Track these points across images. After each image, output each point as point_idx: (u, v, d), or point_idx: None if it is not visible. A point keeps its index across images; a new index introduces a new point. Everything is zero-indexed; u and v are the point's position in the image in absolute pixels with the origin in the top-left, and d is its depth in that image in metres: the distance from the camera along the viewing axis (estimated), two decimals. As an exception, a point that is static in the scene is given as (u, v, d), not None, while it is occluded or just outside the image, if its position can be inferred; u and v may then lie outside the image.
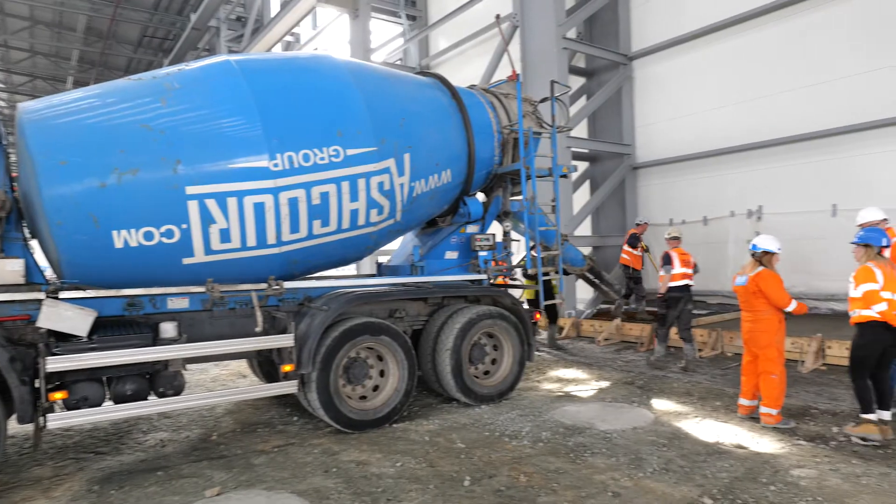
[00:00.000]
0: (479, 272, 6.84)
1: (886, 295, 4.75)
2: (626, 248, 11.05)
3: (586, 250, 12.69)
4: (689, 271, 8.02)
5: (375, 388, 5.88)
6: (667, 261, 8.15)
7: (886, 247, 5.04)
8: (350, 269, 13.02)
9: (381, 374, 5.91)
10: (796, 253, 9.48)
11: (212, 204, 4.99)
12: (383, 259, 8.49)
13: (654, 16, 13.01)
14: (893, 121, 9.45)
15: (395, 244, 7.82)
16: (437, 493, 4.17)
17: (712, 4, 11.79)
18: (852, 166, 10.00)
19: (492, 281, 6.90)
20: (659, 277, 8.34)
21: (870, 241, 4.98)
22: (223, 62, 5.48)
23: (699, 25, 11.93)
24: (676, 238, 8.27)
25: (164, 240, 4.90)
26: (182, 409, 5.91)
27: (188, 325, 5.26)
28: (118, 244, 4.75)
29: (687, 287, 8.01)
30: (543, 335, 10.64)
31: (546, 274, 7.09)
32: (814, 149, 10.48)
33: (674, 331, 8.30)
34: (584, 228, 13.47)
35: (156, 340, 4.90)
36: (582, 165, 13.83)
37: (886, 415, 5.01)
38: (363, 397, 5.81)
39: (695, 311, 10.94)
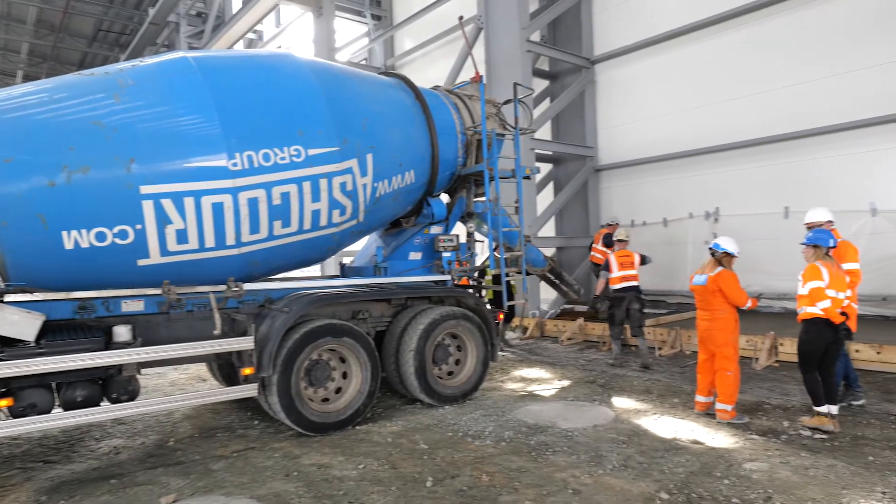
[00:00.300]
0: (442, 273, 6.85)
1: (831, 293, 4.98)
2: (599, 247, 11.15)
3: (550, 251, 12.90)
4: (631, 273, 8.18)
5: (338, 391, 5.82)
6: (605, 266, 8.43)
7: (833, 247, 5.25)
8: (314, 270, 12.92)
9: (344, 375, 5.85)
10: (751, 253, 9.77)
11: (168, 204, 4.87)
12: (347, 260, 8.41)
13: (615, 21, 13.28)
14: (840, 127, 9.86)
15: (358, 245, 7.77)
16: (400, 495, 4.15)
17: (671, 11, 12.13)
18: (804, 170, 10.41)
19: (455, 281, 6.90)
20: (598, 283, 8.57)
21: (818, 242, 5.19)
22: (180, 59, 5.35)
23: (659, 31, 12.26)
24: (622, 241, 8.46)
25: (118, 241, 4.76)
26: (137, 414, 5.75)
27: (143, 328, 5.13)
28: (68, 245, 4.59)
29: (630, 288, 8.16)
30: (511, 335, 10.76)
31: (508, 274, 7.15)
32: (768, 153, 10.89)
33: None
34: (549, 229, 13.66)
35: (109, 344, 4.75)
36: (546, 167, 14.09)
37: (834, 409, 5.21)
38: (325, 399, 5.75)
39: (655, 311, 11.24)
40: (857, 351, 7.20)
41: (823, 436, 5.06)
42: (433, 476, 4.45)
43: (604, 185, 13.74)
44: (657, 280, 11.87)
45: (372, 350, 5.86)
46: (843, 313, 5.02)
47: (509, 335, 10.73)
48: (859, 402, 5.84)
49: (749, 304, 5.48)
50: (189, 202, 4.96)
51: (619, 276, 8.19)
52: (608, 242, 10.99)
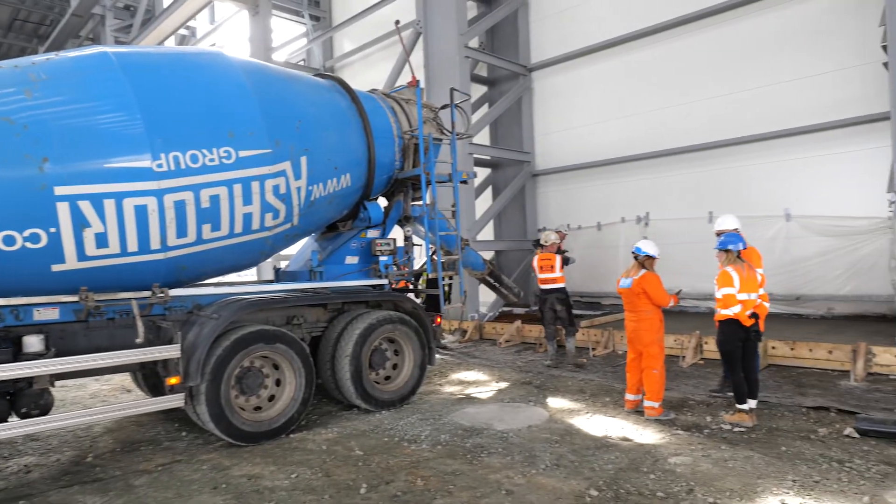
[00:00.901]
0: (380, 277, 6.81)
1: (742, 296, 5.34)
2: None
3: (489, 254, 13.05)
4: (551, 276, 8.48)
5: (271, 398, 5.67)
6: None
7: (743, 249, 5.58)
8: (250, 275, 12.56)
9: (277, 383, 5.71)
10: (678, 256, 10.28)
11: (86, 206, 4.61)
12: (284, 264, 8.22)
13: (550, 30, 13.63)
14: (756, 138, 10.48)
15: (294, 248, 7.62)
16: (333, 503, 4.08)
17: (605, 23, 12.56)
18: (725, 177, 10.98)
19: (393, 285, 6.88)
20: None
21: (729, 246, 5.51)
22: (100, 54, 5.09)
23: (593, 41, 12.66)
24: (542, 245, 8.77)
25: (29, 245, 4.47)
26: (52, 429, 5.41)
27: (58, 337, 4.84)
28: (-29, 249, 4.26)
29: (552, 290, 8.50)
30: (450, 338, 10.80)
31: (450, 277, 7.20)
32: (693, 160, 11.44)
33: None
34: (488, 233, 13.83)
35: (18, 356, 4.44)
36: (485, 172, 14.27)
37: (753, 403, 5.52)
38: (258, 408, 5.59)
39: (590, 312, 11.57)
40: (773, 348, 7.66)
41: (742, 429, 5.34)
42: (367, 482, 4.40)
43: (541, 190, 14.11)
44: (591, 282, 12.23)
45: (307, 356, 5.75)
46: (753, 314, 5.34)
47: (448, 338, 10.78)
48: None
49: (671, 303, 5.74)
50: (109, 204, 4.72)
51: (540, 279, 8.60)
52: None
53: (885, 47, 7.62)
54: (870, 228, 9.19)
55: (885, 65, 7.76)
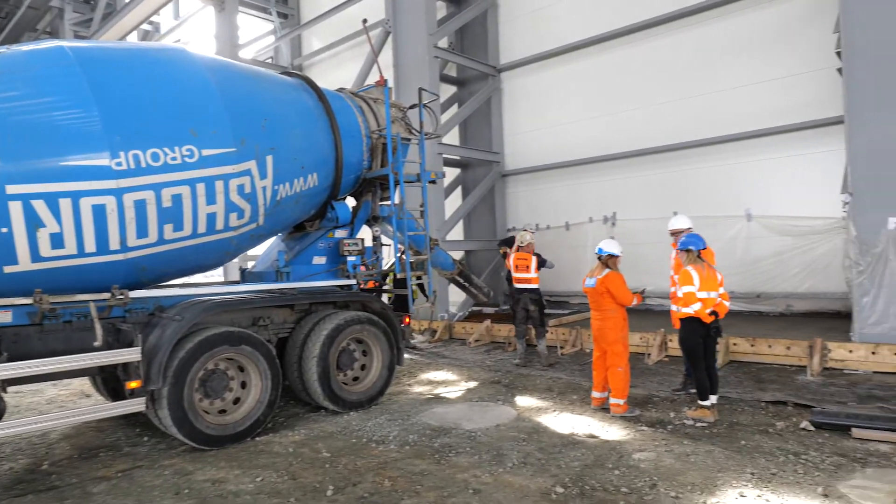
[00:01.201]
0: (347, 277, 6.76)
1: (702, 294, 5.46)
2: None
3: (459, 254, 13.10)
4: (526, 276, 8.46)
5: (237, 401, 5.58)
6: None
7: (703, 249, 5.72)
8: (217, 275, 12.31)
9: (243, 385, 5.63)
10: (644, 255, 10.47)
11: (39, 205, 4.46)
12: (251, 265, 8.11)
13: (519, 31, 13.74)
14: (717, 140, 10.75)
15: (261, 249, 7.52)
16: (298, 507, 4.04)
17: (573, 25, 12.72)
18: (689, 178, 11.25)
19: (361, 286, 6.84)
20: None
21: (690, 246, 5.64)
22: (55, 48, 4.93)
23: (562, 43, 12.81)
24: (518, 246, 8.68)
25: (-21, 245, 4.29)
26: (4, 437, 5.21)
27: (12, 341, 4.67)
28: (-84, 251, 4.08)
29: (526, 290, 8.48)
30: (420, 338, 10.79)
31: (419, 277, 7.19)
32: (658, 162, 11.69)
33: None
34: (458, 233, 13.87)
35: (-33, 361, 4.27)
36: (454, 171, 14.30)
37: (714, 398, 5.65)
38: (223, 411, 5.50)
39: (558, 311, 11.69)
40: (734, 344, 7.86)
41: (704, 424, 5.47)
42: (334, 484, 4.37)
43: (510, 190, 14.20)
44: (559, 282, 12.35)
45: (273, 358, 5.68)
46: (713, 312, 5.48)
47: (418, 338, 10.77)
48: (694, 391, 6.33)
49: (635, 301, 5.84)
50: (65, 204, 4.58)
51: (515, 278, 8.59)
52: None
53: (839, 53, 7.90)
54: (825, 228, 9.51)
55: (839, 70, 8.05)
